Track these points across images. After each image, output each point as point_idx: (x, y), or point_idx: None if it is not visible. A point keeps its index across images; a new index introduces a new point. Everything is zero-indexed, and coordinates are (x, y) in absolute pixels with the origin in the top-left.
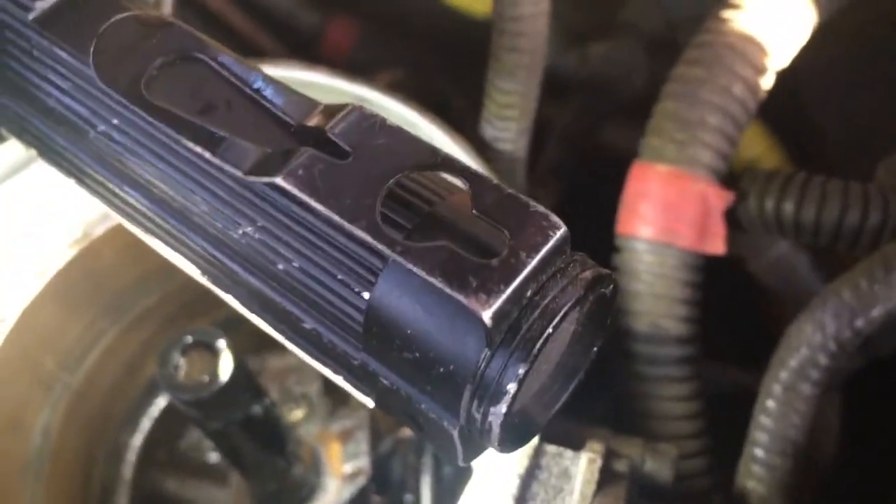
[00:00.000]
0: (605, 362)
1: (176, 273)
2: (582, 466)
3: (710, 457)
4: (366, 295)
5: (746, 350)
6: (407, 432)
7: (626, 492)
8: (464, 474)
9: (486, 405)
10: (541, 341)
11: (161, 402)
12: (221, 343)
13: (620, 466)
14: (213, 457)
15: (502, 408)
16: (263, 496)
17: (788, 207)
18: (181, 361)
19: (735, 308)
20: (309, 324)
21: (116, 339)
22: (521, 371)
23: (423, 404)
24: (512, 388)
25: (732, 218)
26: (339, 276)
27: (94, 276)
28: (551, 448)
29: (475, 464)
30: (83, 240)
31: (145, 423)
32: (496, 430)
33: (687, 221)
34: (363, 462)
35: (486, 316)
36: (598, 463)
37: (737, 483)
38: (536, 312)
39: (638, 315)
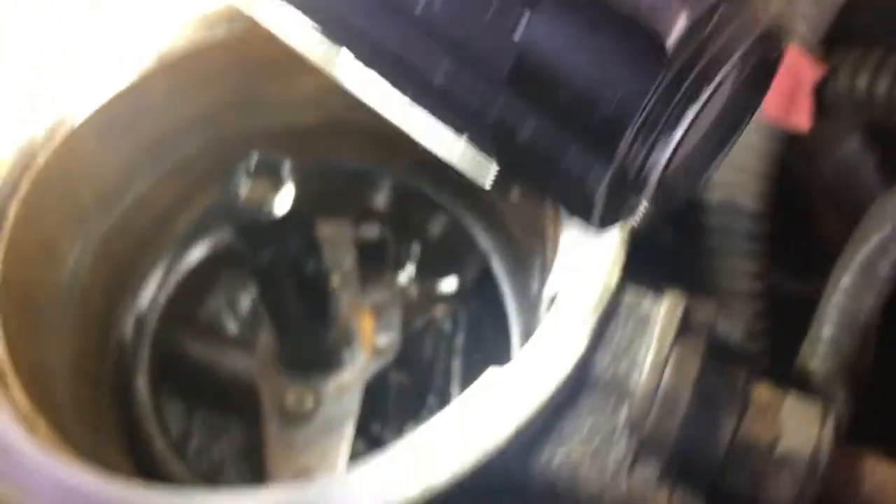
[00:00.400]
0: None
1: (215, 126)
2: (662, 312)
3: (768, 343)
4: (517, 34)
5: (792, 257)
6: (439, 312)
7: (703, 345)
8: (497, 354)
9: (648, 149)
10: (716, 80)
11: (188, 262)
12: (286, 170)
13: (697, 319)
14: (234, 327)
15: (664, 153)
16: (291, 363)
17: (882, 85)
18: (244, 183)
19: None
20: (440, 78)
21: (150, 187)
22: (692, 111)
23: (569, 155)
24: (679, 130)
25: (818, 97)
26: (489, 13)
27: (141, 113)
28: (631, 290)
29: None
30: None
31: (171, 280)
32: (653, 178)
33: (775, 91)
34: (393, 338)
35: (671, 36)
36: (679, 311)
37: (797, 364)
38: (715, 47)
39: (714, 185)
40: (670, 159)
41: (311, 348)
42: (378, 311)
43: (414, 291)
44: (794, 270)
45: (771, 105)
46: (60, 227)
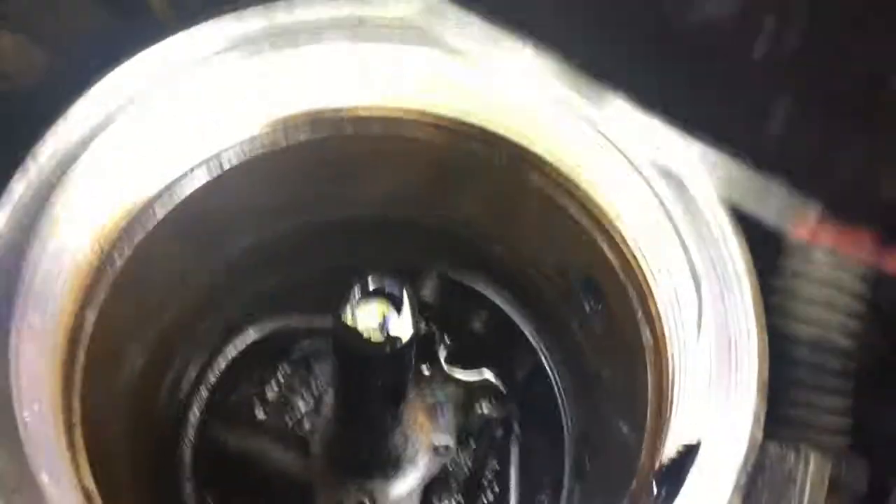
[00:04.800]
0: None
1: (273, 221)
2: (811, 471)
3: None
4: None
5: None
6: (494, 413)
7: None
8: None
9: None
10: None
11: (228, 355)
12: (404, 295)
13: (844, 479)
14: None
15: None
16: (351, 466)
17: None
18: (359, 309)
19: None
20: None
21: (203, 284)
22: None
23: None
24: None
25: None
26: None
27: (212, 211)
28: (771, 444)
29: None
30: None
31: (212, 376)
32: None
33: (869, 237)
34: (450, 438)
35: None
36: (828, 471)
37: None
38: None
39: (808, 322)
40: None
41: (373, 451)
42: (432, 412)
43: (463, 391)
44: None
45: (864, 249)
46: (127, 332)
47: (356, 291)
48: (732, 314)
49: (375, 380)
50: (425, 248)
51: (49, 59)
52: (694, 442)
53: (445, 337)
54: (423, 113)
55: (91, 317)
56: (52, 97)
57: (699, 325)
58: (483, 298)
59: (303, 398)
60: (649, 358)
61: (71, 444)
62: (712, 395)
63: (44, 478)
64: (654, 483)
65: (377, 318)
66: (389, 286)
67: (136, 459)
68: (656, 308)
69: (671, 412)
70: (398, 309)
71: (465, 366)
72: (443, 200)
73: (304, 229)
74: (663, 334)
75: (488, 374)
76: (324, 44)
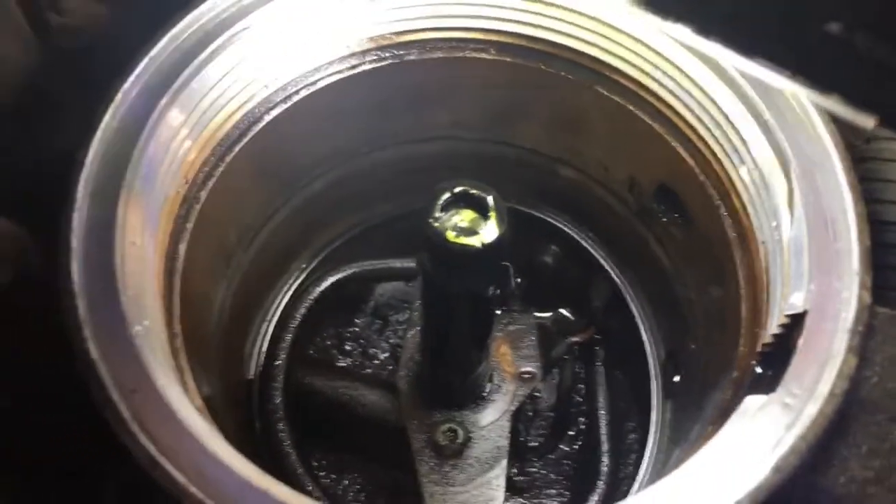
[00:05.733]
0: None
1: (342, 164)
2: None
3: None
4: None
5: None
6: (576, 341)
7: None
8: (631, 380)
9: None
10: None
11: (309, 300)
12: (490, 200)
13: None
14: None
15: None
16: (441, 399)
17: None
18: (448, 212)
19: None
20: (838, 26)
21: (284, 220)
22: None
23: None
24: None
25: None
26: None
27: (285, 147)
28: (879, 311)
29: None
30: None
31: (295, 320)
32: None
33: None
34: (534, 365)
35: None
36: None
37: None
38: None
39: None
40: None
41: (462, 382)
42: (515, 340)
43: (543, 323)
44: None
45: None
46: (213, 269)
47: (444, 197)
48: (825, 189)
49: (465, 294)
50: (494, 181)
51: (115, 12)
52: (800, 311)
53: (520, 274)
54: (486, 31)
55: (182, 249)
56: (115, 50)
57: (791, 207)
58: (554, 229)
59: (386, 338)
60: (737, 253)
61: (178, 368)
62: (813, 267)
63: (159, 381)
64: (757, 367)
65: (466, 222)
66: (476, 192)
67: (228, 401)
68: (740, 200)
69: (769, 297)
70: (485, 215)
71: (542, 303)
72: (509, 125)
73: (377, 166)
74: (750, 224)
75: (565, 311)
76: None
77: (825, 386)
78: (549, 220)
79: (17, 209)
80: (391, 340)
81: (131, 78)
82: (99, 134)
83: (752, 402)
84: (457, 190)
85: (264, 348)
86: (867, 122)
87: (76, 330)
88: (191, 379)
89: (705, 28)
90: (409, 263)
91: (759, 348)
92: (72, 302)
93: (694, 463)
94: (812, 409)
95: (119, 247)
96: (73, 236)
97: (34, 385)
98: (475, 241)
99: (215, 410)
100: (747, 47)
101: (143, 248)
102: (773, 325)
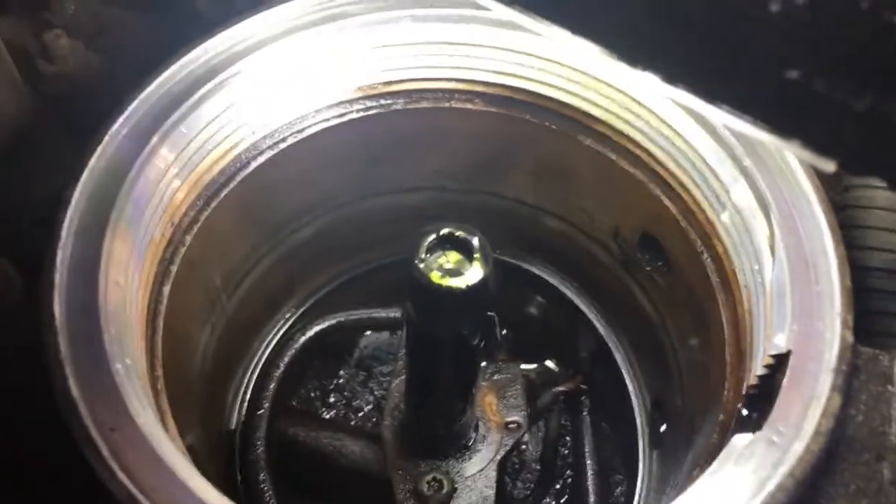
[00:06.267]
0: None
1: (328, 212)
2: None
3: None
4: None
5: None
6: (561, 391)
7: None
8: (618, 430)
9: None
10: None
11: (292, 350)
12: (475, 242)
13: None
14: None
15: None
16: (426, 448)
17: None
18: (433, 254)
19: None
20: (797, 72)
21: (269, 267)
22: None
23: None
24: None
25: None
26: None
27: (273, 192)
28: (862, 348)
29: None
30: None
31: (278, 370)
32: None
33: None
34: (520, 414)
35: None
36: None
37: None
38: None
39: (873, 251)
40: None
41: (447, 431)
42: (501, 390)
43: (529, 375)
44: None
45: None
46: (196, 313)
47: (430, 240)
48: (805, 232)
49: (450, 340)
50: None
51: (104, 60)
52: (783, 351)
53: (505, 325)
54: (472, 82)
55: (166, 291)
56: (109, 96)
57: (773, 249)
58: (539, 280)
59: (370, 388)
60: (720, 298)
61: (160, 409)
62: (795, 308)
63: (139, 419)
64: (742, 409)
65: (451, 263)
66: (461, 235)
67: (210, 451)
68: (722, 245)
69: (752, 340)
70: (470, 257)
71: (527, 354)
72: (495, 175)
73: (363, 214)
74: (733, 269)
75: (550, 364)
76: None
77: (811, 424)
78: (534, 270)
79: (2, 245)
80: (376, 392)
81: (120, 119)
82: (86, 173)
83: (738, 440)
84: (442, 232)
85: (247, 397)
86: (828, 166)
87: (57, 366)
88: (171, 421)
89: (671, 76)
90: (395, 313)
91: (744, 391)
92: (53, 339)
93: (684, 501)
94: (798, 447)
95: (103, 285)
96: (57, 273)
97: (13, 422)
98: (460, 283)
99: (197, 460)
100: (711, 95)
101: (127, 288)
102: (757, 367)
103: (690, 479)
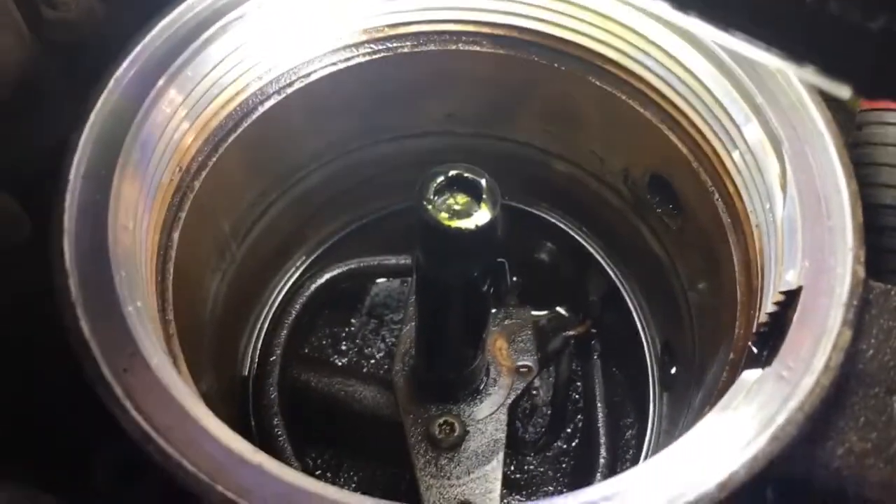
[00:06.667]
0: None
1: (336, 158)
2: None
3: None
4: None
5: None
6: (572, 335)
7: None
8: (629, 372)
9: None
10: None
11: (303, 297)
12: (484, 184)
13: None
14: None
15: None
16: (437, 393)
17: None
18: (441, 196)
19: None
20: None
21: (276, 218)
22: None
23: None
24: None
25: None
26: None
27: (275, 141)
28: (874, 284)
29: None
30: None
31: (289, 317)
32: None
33: None
34: (531, 359)
35: None
36: None
37: None
38: None
39: (886, 188)
40: None
41: (458, 376)
42: (510, 337)
43: (539, 320)
44: None
45: None
46: (206, 260)
47: (438, 181)
48: (818, 168)
49: (459, 284)
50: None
51: (108, 7)
52: (794, 287)
53: (515, 271)
54: (478, 24)
55: (175, 238)
56: (113, 43)
57: (784, 187)
58: (549, 225)
59: (381, 336)
60: (732, 238)
61: (172, 353)
62: (806, 244)
63: (153, 361)
64: (752, 346)
65: (459, 205)
66: (470, 176)
67: (222, 398)
68: (734, 184)
69: (763, 279)
70: (478, 199)
71: (538, 299)
72: (503, 118)
73: (371, 161)
74: (744, 208)
75: (561, 309)
76: None
77: (821, 358)
78: (543, 215)
79: (10, 186)
80: (387, 339)
81: (125, 63)
82: (93, 116)
83: (748, 376)
84: (451, 174)
85: (259, 345)
86: (842, 91)
87: (68, 308)
88: (184, 365)
89: (683, 3)
90: (405, 260)
91: (754, 329)
92: (64, 281)
93: (692, 435)
94: (808, 381)
95: (112, 229)
96: (66, 216)
97: (25, 364)
98: (469, 224)
99: (210, 405)
100: (723, 21)
101: (136, 232)
102: (768, 305)
103: (700, 416)
